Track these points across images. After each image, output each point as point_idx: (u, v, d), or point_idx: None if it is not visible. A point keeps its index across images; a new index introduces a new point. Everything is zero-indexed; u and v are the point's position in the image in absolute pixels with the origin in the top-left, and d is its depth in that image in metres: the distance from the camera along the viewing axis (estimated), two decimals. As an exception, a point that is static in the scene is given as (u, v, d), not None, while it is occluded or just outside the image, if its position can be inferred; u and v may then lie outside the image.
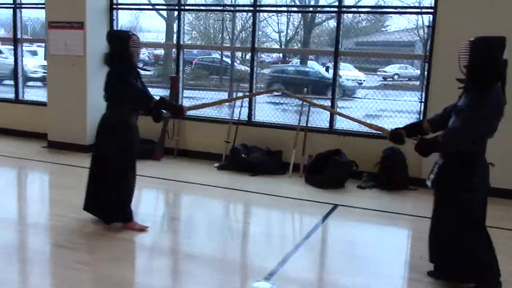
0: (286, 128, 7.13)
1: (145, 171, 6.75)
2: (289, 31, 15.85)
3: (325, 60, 13.51)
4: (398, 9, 6.80)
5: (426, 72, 6.31)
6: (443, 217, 3.59)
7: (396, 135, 3.79)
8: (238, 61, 15.58)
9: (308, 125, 6.95)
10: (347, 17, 10.28)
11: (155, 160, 7.37)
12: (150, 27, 12.68)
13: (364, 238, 4.77)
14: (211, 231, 4.82)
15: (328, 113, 6.93)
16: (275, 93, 5.08)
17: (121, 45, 4.54)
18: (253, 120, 7.41)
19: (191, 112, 7.41)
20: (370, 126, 4.12)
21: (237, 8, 8.76)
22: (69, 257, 3.99)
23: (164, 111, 4.77)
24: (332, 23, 9.30)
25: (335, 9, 6.79)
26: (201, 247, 4.30)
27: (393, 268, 4.04)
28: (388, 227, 5.16)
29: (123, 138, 4.60)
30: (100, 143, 4.67)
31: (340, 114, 4.59)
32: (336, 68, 6.84)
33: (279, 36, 16.70)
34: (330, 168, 6.30)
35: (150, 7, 8.81)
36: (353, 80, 13.98)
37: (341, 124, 6.98)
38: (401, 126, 3.91)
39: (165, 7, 7.99)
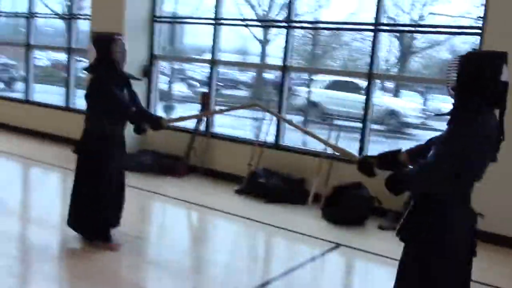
0: (313, 155, 6.53)
1: (161, 188, 6.55)
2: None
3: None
4: (438, 29, 5.95)
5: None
6: (406, 277, 2.88)
7: (365, 164, 3.05)
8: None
9: (335, 153, 6.30)
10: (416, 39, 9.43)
11: (177, 177, 7.11)
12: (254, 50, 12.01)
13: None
14: (177, 259, 4.40)
15: (358, 141, 6.29)
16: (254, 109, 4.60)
17: (105, 48, 4.23)
18: (280, 143, 6.90)
19: (217, 127, 7.24)
20: (337, 149, 3.47)
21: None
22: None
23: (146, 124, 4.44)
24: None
25: (372, 28, 6.13)
26: (141, 274, 3.91)
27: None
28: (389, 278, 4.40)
29: (103, 152, 4.25)
30: (81, 156, 4.41)
31: (309, 134, 3.84)
32: (369, 91, 6.17)
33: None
34: (346, 202, 5.63)
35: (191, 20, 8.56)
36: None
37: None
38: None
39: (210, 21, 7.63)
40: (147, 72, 7.83)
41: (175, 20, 8.30)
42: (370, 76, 6.13)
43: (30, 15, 9.31)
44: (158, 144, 7.63)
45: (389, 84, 12.11)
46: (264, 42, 12.05)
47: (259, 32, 10.36)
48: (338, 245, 4.94)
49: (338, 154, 3.51)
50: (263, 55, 11.62)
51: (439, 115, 2.83)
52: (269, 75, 11.79)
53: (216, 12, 7.35)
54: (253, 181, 6.49)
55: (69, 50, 8.82)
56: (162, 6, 7.92)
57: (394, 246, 4.91)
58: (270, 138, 6.90)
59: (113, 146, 4.34)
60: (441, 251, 2.72)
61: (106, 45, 4.21)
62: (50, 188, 6.82)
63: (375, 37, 6.02)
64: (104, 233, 4.34)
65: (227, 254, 4.80)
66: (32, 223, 5.13)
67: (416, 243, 2.80)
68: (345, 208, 5.63)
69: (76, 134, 8.03)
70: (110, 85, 4.21)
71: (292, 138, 7.08)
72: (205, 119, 7.32)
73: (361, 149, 6.22)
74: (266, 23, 7.03)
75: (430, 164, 2.67)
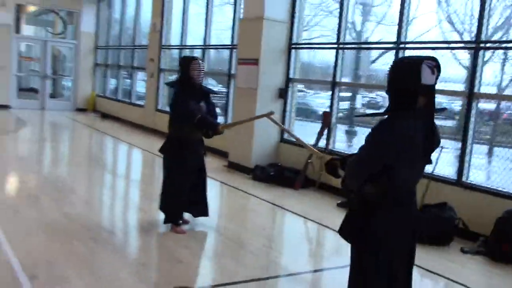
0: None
1: (271, 195, 7.23)
2: None
3: None
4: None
5: None
6: (351, 276, 3.03)
7: (331, 166, 3.21)
8: None
9: (434, 173, 6.20)
10: None
11: (293, 189, 7.71)
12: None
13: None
14: (235, 253, 5.04)
15: (456, 160, 6.09)
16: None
17: (184, 68, 5.08)
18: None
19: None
20: (311, 150, 3.69)
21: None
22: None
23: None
24: None
25: None
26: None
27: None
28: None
29: (179, 152, 5.11)
30: (164, 155, 5.29)
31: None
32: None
33: None
34: (426, 221, 5.54)
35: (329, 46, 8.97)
36: None
37: (475, 176, 5.98)
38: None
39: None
40: (282, 94, 8.65)
41: (310, 46, 8.95)
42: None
43: (205, 47, 11.05)
44: (286, 158, 8.37)
45: None
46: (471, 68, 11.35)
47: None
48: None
49: (314, 155, 3.73)
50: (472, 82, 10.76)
51: (359, 116, 3.01)
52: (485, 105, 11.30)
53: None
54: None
55: (229, 76, 10.16)
56: (299, 34, 8.69)
57: (459, 269, 4.85)
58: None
59: (188, 148, 5.15)
60: (373, 252, 2.84)
61: (186, 65, 5.08)
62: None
63: None
64: (174, 217, 5.22)
65: (289, 257, 5.25)
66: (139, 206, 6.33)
67: (353, 242, 2.98)
68: (427, 228, 5.54)
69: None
70: (184, 98, 5.01)
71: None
72: (325, 135, 7.82)
73: None
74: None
75: (350, 163, 2.89)
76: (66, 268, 4.11)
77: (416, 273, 4.74)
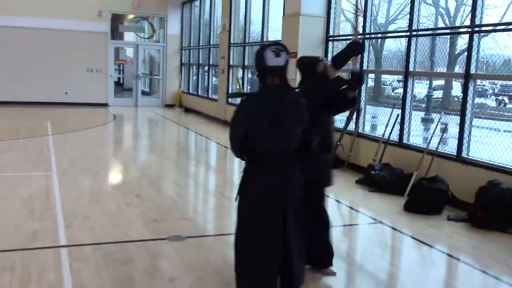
0: (420, 151, 6.97)
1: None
2: None
3: None
4: None
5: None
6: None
7: None
8: None
9: (439, 150, 6.65)
10: None
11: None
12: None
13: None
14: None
15: (457, 138, 6.50)
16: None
17: (309, 69, 4.48)
18: (403, 141, 7.49)
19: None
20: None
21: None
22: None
23: None
24: None
25: None
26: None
27: None
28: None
29: None
30: None
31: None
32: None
33: None
34: (419, 193, 6.08)
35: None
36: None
37: (477, 153, 6.36)
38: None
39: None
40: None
41: (345, 38, 9.54)
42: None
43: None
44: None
45: None
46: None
47: None
48: (379, 222, 5.70)
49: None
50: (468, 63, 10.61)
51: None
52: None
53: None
54: (368, 173, 7.35)
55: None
56: (335, 27, 9.37)
57: (436, 233, 5.38)
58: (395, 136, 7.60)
59: None
60: (246, 207, 3.40)
61: (310, 66, 4.45)
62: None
63: None
64: None
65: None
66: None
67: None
68: (418, 198, 6.09)
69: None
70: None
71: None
72: (354, 120, 8.46)
73: None
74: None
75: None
76: (96, 221, 5.36)
77: (398, 238, 5.42)
